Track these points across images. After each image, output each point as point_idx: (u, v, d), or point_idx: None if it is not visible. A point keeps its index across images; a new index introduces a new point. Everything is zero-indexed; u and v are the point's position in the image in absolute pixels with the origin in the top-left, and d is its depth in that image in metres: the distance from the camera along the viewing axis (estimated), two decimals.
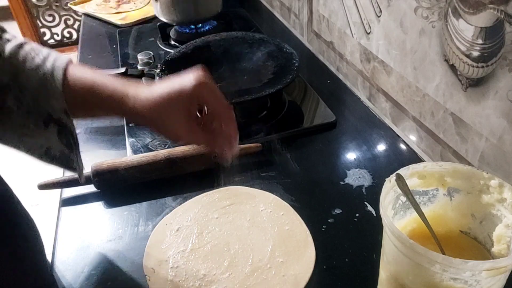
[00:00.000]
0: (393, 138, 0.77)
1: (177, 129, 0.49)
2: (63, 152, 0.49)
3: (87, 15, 1.44)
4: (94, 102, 0.50)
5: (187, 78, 0.49)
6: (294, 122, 0.82)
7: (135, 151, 0.74)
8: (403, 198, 0.45)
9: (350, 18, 0.86)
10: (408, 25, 0.68)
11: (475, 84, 0.56)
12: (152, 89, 0.49)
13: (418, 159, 0.72)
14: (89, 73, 0.50)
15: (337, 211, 0.62)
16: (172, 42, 1.20)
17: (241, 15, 1.36)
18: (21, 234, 0.52)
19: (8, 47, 0.47)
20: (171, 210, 0.63)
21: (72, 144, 0.50)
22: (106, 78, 0.50)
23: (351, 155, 0.74)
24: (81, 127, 0.82)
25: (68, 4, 1.71)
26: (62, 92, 0.47)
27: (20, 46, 0.48)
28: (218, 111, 0.51)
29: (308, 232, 0.58)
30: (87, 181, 0.65)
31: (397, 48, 0.72)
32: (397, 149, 0.75)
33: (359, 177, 0.68)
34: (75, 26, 2.75)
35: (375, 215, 0.61)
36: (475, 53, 0.55)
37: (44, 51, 0.49)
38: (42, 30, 2.74)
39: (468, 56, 0.56)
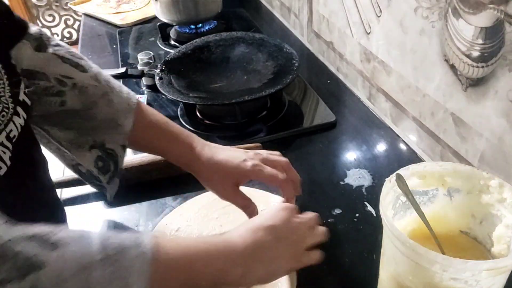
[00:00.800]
0: (393, 138, 0.77)
1: (223, 191, 0.55)
2: (90, 172, 0.53)
3: (87, 15, 1.44)
4: (161, 142, 0.56)
5: (245, 159, 0.54)
6: (294, 122, 0.82)
7: (135, 151, 0.74)
8: (403, 198, 0.45)
9: (350, 18, 0.86)
10: (408, 25, 0.68)
11: (475, 84, 0.56)
12: (215, 151, 0.55)
13: (418, 159, 0.72)
14: (160, 117, 0.57)
15: (337, 211, 0.62)
16: (172, 42, 1.20)
17: (241, 15, 1.36)
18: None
19: (85, 78, 0.51)
20: (171, 210, 0.63)
21: (109, 169, 0.53)
22: (177, 126, 0.57)
23: (351, 155, 0.74)
24: None
25: (68, 4, 1.71)
26: (130, 130, 0.52)
27: (96, 78, 0.52)
28: (284, 172, 0.55)
29: None
30: None
31: (397, 48, 0.72)
32: (397, 149, 0.75)
33: (359, 177, 0.68)
34: (75, 26, 2.74)
35: (375, 215, 0.61)
36: (475, 53, 0.55)
37: (116, 85, 0.54)
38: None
39: (468, 56, 0.56)
